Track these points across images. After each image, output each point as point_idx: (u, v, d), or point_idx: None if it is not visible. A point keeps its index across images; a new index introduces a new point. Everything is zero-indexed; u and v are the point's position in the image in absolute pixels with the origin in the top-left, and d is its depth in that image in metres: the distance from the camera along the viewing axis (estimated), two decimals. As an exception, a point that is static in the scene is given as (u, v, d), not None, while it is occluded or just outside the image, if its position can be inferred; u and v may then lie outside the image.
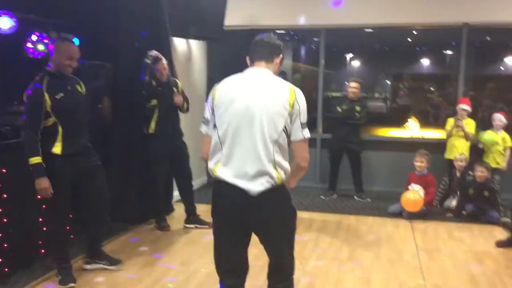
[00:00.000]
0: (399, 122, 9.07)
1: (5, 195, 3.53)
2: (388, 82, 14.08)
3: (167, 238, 4.73)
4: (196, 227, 5.02)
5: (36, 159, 3.28)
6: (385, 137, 7.77)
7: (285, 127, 2.36)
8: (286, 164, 2.41)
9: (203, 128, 2.51)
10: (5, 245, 3.55)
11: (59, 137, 3.39)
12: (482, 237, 4.91)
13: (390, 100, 13.40)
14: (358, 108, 6.25)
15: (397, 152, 6.86)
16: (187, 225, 5.06)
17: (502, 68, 10.88)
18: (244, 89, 2.38)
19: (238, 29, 6.90)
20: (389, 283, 3.74)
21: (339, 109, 6.35)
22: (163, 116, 4.77)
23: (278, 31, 7.05)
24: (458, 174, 5.87)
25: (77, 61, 3.51)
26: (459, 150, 6.01)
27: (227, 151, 2.34)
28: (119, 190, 4.93)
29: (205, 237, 4.76)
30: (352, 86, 6.31)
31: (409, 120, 8.81)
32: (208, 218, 5.10)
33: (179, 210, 5.33)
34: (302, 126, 2.42)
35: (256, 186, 2.30)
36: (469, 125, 6.05)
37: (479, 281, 3.83)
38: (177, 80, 5.05)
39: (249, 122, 2.30)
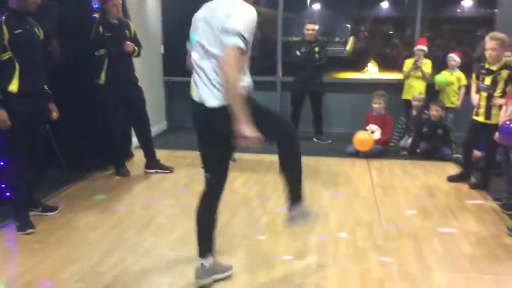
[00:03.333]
0: (359, 65, 9.13)
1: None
2: (348, 26, 14.03)
3: (127, 184, 4.69)
4: (157, 172, 5.00)
5: None
6: (345, 79, 7.83)
7: None
8: None
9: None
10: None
11: (16, 74, 3.33)
12: (435, 173, 5.12)
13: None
14: (317, 49, 6.24)
15: (356, 94, 6.95)
16: (148, 170, 5.02)
17: (458, 10, 11.01)
18: None
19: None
20: (346, 218, 3.87)
21: (298, 52, 6.33)
22: (113, 64, 4.60)
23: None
24: (414, 113, 6.03)
25: None
26: (416, 90, 6.13)
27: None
28: (73, 138, 4.82)
29: (166, 181, 4.75)
30: (309, 28, 6.27)
31: (368, 64, 8.88)
32: (169, 163, 5.15)
33: (139, 156, 5.27)
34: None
35: None
36: (426, 65, 6.15)
37: (431, 213, 4.02)
38: (129, 22, 4.84)
39: None
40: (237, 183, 4.73)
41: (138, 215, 3.91)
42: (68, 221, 3.77)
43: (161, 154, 5.31)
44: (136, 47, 4.72)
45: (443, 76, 6.06)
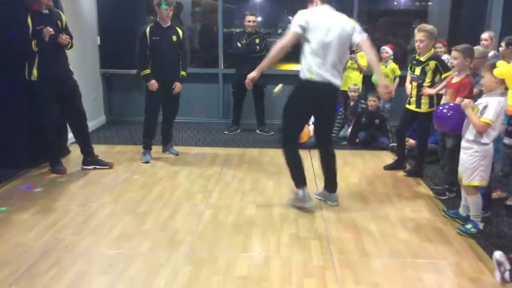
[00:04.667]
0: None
1: None
2: (291, 17, 14.16)
3: (63, 182, 4.49)
4: (95, 168, 4.82)
5: None
6: (286, 71, 7.87)
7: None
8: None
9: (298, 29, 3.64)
10: None
11: None
12: (373, 162, 5.30)
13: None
14: (257, 40, 6.26)
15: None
16: (85, 167, 4.84)
17: (395, 3, 11.39)
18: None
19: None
20: (288, 207, 3.92)
21: (239, 44, 6.32)
22: (46, 58, 4.35)
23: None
24: (351, 103, 6.19)
25: None
26: (353, 81, 6.30)
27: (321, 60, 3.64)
28: (5, 135, 4.56)
29: (105, 177, 4.60)
30: (250, 20, 6.27)
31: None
32: (108, 159, 4.99)
33: (76, 152, 5.07)
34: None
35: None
36: (363, 57, 6.32)
37: (369, 200, 4.16)
38: (60, 12, 4.61)
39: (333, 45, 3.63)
40: (180, 177, 4.67)
41: (75, 213, 3.76)
42: (1, 221, 3.56)
43: (99, 149, 5.14)
44: (67, 39, 4.49)
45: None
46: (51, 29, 4.29)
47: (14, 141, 4.63)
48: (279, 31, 14.57)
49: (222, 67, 7.18)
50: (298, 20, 3.63)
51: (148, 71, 4.94)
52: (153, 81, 4.94)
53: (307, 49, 3.67)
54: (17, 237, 3.33)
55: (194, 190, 4.34)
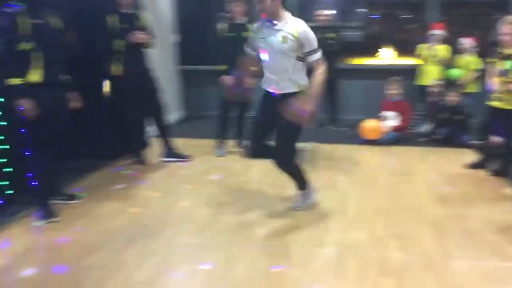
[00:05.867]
0: (375, 50, 9.01)
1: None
2: (363, 10, 13.81)
3: (145, 173, 4.73)
4: (174, 161, 5.03)
5: (14, 80, 3.32)
6: (359, 65, 7.74)
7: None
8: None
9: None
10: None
11: (35, 65, 3.38)
12: (454, 160, 5.07)
13: (365, 29, 13.21)
14: (330, 35, 6.19)
15: (370, 80, 6.88)
16: (164, 159, 5.06)
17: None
18: None
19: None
20: (365, 206, 3.86)
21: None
22: (127, 55, 4.59)
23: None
24: (432, 99, 5.96)
25: None
26: (432, 75, 6.06)
27: None
28: (93, 128, 4.87)
29: (183, 170, 4.78)
30: (322, 14, 6.22)
31: (382, 49, 8.76)
32: (186, 152, 5.18)
33: (156, 145, 5.30)
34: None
35: None
36: (443, 50, 6.06)
37: (449, 200, 3.99)
38: (139, 12, 4.82)
39: None
40: (254, 171, 4.75)
41: (157, 203, 3.95)
42: (90, 209, 3.82)
43: (178, 143, 5.34)
44: (148, 38, 4.69)
45: (457, 71, 5.97)
46: (140, 34, 4.54)
47: (100, 133, 4.94)
48: (350, 24, 14.33)
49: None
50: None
51: (224, 66, 5.05)
52: (228, 77, 5.04)
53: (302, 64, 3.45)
54: (105, 224, 3.56)
55: (268, 184, 4.39)
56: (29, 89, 3.36)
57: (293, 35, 3.30)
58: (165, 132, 5.08)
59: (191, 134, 6.23)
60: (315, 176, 4.53)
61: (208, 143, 5.68)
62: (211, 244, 3.24)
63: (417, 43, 6.45)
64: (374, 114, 5.97)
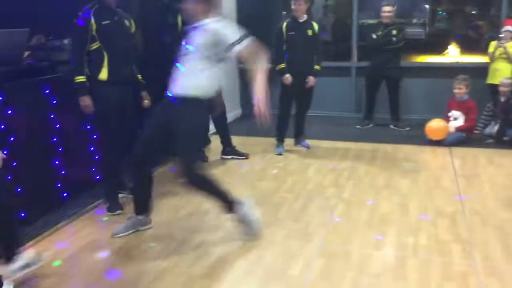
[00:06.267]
0: (439, 48, 8.69)
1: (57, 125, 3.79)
2: (427, 6, 13.34)
3: (205, 169, 4.82)
4: (233, 158, 5.12)
5: (80, 78, 3.50)
6: (424, 63, 7.47)
7: None
8: None
9: None
10: (63, 172, 3.84)
11: (105, 63, 3.55)
12: (524, 163, 4.80)
13: (429, 26, 12.76)
14: (394, 32, 6.04)
15: (436, 79, 6.64)
16: (224, 156, 5.16)
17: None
18: None
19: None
20: (427, 208, 3.75)
21: (374, 35, 6.15)
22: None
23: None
24: (501, 99, 5.65)
25: None
26: (503, 74, 5.75)
27: None
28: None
29: (242, 167, 4.86)
30: (386, 10, 6.07)
31: (449, 46, 8.43)
32: (244, 149, 5.25)
33: (215, 143, 5.41)
34: None
35: None
36: (512, 47, 5.74)
37: (519, 205, 3.79)
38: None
39: None
40: (312, 170, 4.73)
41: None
42: (156, 200, 3.96)
43: (236, 141, 5.41)
44: None
45: None
46: None
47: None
48: (414, 20, 13.88)
49: (356, 60, 7.06)
50: None
51: (283, 65, 5.07)
52: (288, 75, 5.06)
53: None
54: (169, 216, 3.71)
55: (326, 183, 4.36)
56: (96, 87, 3.54)
57: (208, 35, 3.02)
58: (225, 129, 5.18)
59: (250, 132, 6.29)
60: (372, 177, 4.48)
61: (267, 141, 5.72)
62: (269, 240, 3.27)
63: (486, 40, 6.15)
64: (440, 113, 5.76)
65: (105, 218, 3.73)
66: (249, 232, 3.26)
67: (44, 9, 4.26)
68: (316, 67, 5.15)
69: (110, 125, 3.64)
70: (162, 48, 4.77)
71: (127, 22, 3.73)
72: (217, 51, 3.03)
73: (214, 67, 3.07)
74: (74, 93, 3.53)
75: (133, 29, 3.78)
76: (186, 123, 3.01)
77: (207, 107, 3.15)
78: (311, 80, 5.14)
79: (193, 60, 3.05)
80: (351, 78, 7.09)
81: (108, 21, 3.54)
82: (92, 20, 3.48)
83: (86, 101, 3.52)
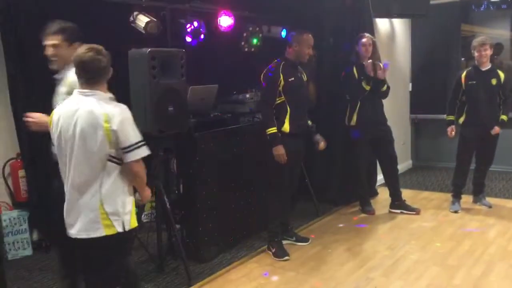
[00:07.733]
0: None
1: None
2: None
3: (372, 222, 4.71)
4: (402, 213, 4.88)
5: (273, 129, 3.74)
6: None
7: None
8: None
9: None
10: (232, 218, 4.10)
11: (287, 117, 3.79)
12: None
13: None
14: None
15: None
16: (393, 210, 4.95)
17: None
18: None
19: (446, 1, 6.37)
20: None
21: None
22: (364, 105, 4.71)
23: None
24: None
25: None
26: None
27: None
28: (324, 173, 5.14)
29: (412, 223, 4.59)
30: None
31: None
32: (414, 204, 4.98)
33: (384, 195, 5.25)
34: None
35: None
36: None
37: None
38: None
39: None
40: (494, 232, 4.25)
41: (383, 255, 3.87)
42: (318, 253, 3.98)
43: (406, 194, 5.17)
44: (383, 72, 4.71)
45: None
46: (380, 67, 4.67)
47: (330, 179, 5.17)
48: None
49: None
50: None
51: (451, 117, 4.86)
52: (452, 127, 4.77)
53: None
54: (331, 270, 3.65)
55: (511, 249, 3.87)
56: (282, 138, 3.74)
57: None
58: (395, 182, 5.00)
59: (421, 185, 5.97)
60: None
61: (440, 196, 5.36)
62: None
63: None
64: None
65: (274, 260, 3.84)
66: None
67: (231, 66, 4.78)
68: (503, 117, 4.71)
69: (283, 173, 3.81)
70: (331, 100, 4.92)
71: (303, 76, 3.95)
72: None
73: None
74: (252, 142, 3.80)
75: (305, 79, 3.97)
76: None
77: None
78: (495, 129, 4.70)
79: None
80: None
81: (293, 78, 3.79)
82: (281, 77, 3.74)
83: (280, 151, 3.72)
